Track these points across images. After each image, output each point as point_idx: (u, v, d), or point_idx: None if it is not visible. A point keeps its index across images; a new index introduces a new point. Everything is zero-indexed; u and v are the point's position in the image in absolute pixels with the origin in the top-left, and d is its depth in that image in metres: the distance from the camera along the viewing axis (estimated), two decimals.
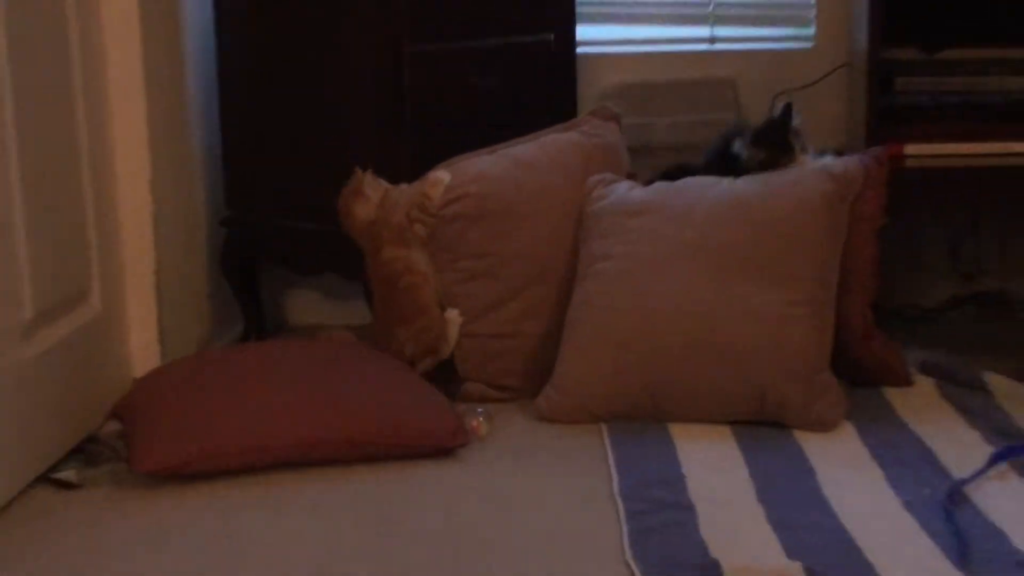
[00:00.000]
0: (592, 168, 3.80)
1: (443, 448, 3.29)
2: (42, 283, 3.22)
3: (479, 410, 3.49)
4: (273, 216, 4.06)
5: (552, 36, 4.19)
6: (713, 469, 3.17)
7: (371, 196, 3.66)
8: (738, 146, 3.69)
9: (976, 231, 4.50)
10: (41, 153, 3.23)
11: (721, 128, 3.98)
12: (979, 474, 3.07)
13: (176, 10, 3.90)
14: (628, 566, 2.69)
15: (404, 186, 3.71)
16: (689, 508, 2.95)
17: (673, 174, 3.81)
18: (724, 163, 3.73)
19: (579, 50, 4.30)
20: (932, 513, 2.89)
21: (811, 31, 4.53)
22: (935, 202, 4.10)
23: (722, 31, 4.59)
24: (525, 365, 3.69)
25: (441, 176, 3.70)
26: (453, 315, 3.68)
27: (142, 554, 2.83)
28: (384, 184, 3.69)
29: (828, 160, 3.66)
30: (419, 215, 3.67)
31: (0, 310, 3.04)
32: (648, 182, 3.81)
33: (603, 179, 3.75)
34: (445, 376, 3.68)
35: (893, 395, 3.61)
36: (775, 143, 3.66)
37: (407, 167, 3.75)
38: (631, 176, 3.85)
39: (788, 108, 3.70)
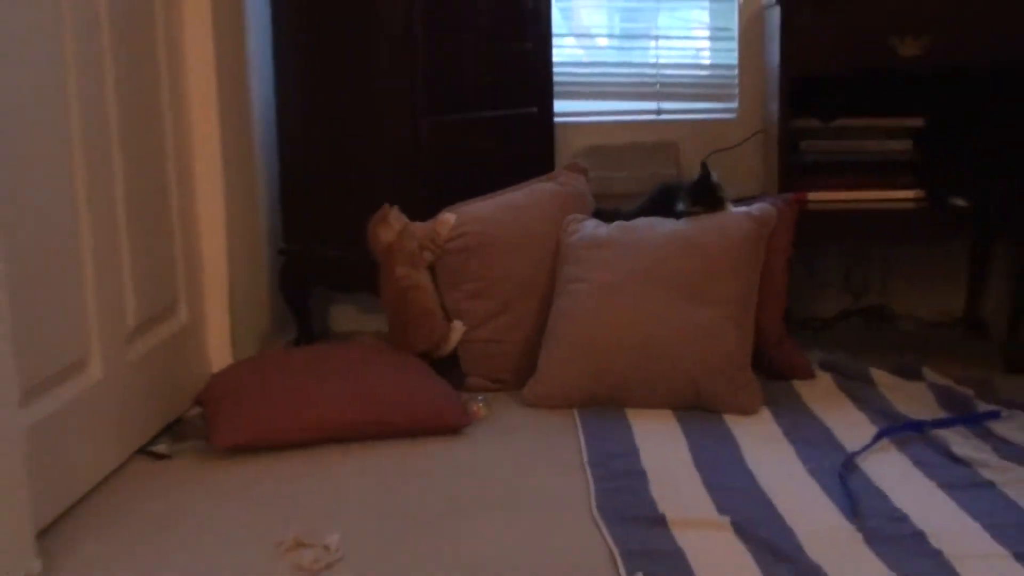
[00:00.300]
0: (566, 211, 3.79)
1: (452, 427, 3.30)
2: (141, 301, 3.22)
3: (480, 398, 3.49)
4: (320, 247, 4.05)
5: (535, 109, 4.19)
6: (660, 444, 3.17)
7: (394, 225, 3.66)
8: (681, 206, 3.68)
9: (862, 259, 4.50)
10: (140, 199, 3.22)
11: (659, 181, 3.99)
12: (866, 448, 3.07)
13: (246, 83, 3.91)
14: (595, 519, 2.69)
15: (419, 223, 3.71)
16: (642, 474, 2.95)
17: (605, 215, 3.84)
18: (663, 212, 3.73)
19: (556, 120, 4.30)
20: (830, 478, 2.89)
21: (735, 105, 4.53)
22: (831, 237, 4.09)
23: (667, 105, 4.59)
24: (514, 363, 3.68)
25: (448, 217, 3.70)
26: (458, 325, 3.68)
27: (219, 509, 2.84)
28: (405, 218, 3.68)
29: (747, 207, 3.66)
30: (429, 245, 3.67)
31: (109, 322, 3.03)
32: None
33: (575, 218, 3.74)
34: (454, 371, 3.67)
35: (800, 386, 3.61)
36: (710, 201, 3.66)
37: (422, 208, 3.74)
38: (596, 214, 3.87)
39: (704, 166, 3.72)
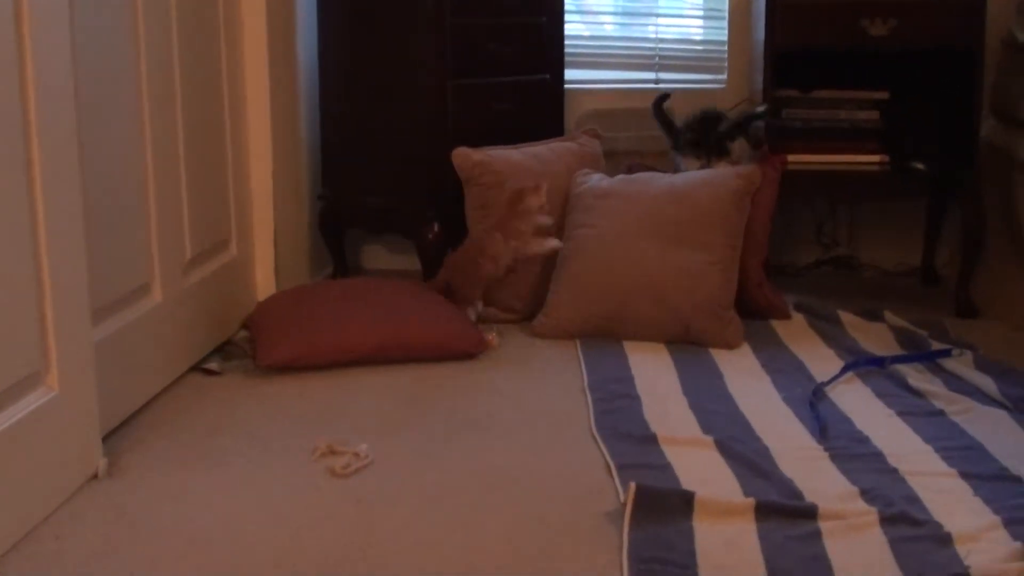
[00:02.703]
0: (582, 166, 3.79)
1: (468, 353, 3.29)
2: (198, 235, 3.21)
3: (494, 328, 3.47)
4: (354, 193, 4.03)
5: (548, 76, 4.15)
6: (652, 372, 3.15)
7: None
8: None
9: (833, 214, 4.48)
10: (199, 148, 3.21)
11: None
12: (834, 379, 3.06)
13: (294, 46, 3.88)
14: (593, 436, 2.69)
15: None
16: (636, 398, 2.94)
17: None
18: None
19: (566, 86, 4.26)
20: (802, 405, 2.89)
21: (724, 76, 4.49)
22: (806, 194, 4.10)
23: (664, 75, 4.55)
24: (527, 294, 3.65)
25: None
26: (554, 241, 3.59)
27: (262, 419, 2.84)
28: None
29: (735, 167, 3.64)
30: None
31: (169, 253, 3.02)
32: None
33: (583, 172, 3.73)
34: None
35: (777, 325, 3.58)
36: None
37: (448, 162, 3.70)
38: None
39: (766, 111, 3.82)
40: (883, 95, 4.05)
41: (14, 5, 2.19)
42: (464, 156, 3.68)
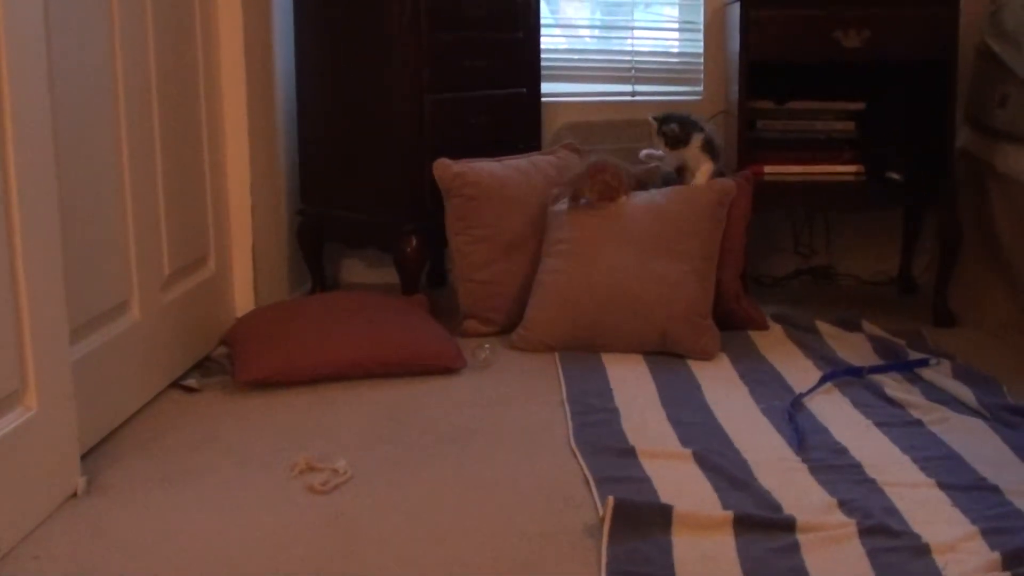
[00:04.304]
0: (561, 179, 3.78)
1: (448, 368, 3.28)
2: (176, 252, 3.20)
3: (487, 346, 3.44)
4: (333, 208, 4.02)
5: (525, 89, 4.15)
6: (631, 384, 3.15)
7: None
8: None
9: (810, 225, 4.50)
10: (177, 165, 3.20)
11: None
12: (812, 390, 3.07)
13: (271, 62, 3.88)
14: (572, 449, 2.69)
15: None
16: (614, 410, 2.94)
17: None
18: None
19: (543, 99, 4.26)
20: (780, 416, 2.89)
21: (700, 88, 4.50)
22: (783, 204, 4.11)
23: (640, 87, 4.57)
24: (506, 306, 3.65)
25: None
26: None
27: (241, 436, 2.83)
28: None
29: (710, 181, 3.65)
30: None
31: (147, 271, 3.02)
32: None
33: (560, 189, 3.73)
34: (453, 318, 3.67)
35: (755, 336, 3.59)
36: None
37: (426, 176, 3.71)
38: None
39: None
40: (858, 106, 4.08)
41: None
42: (444, 167, 3.68)
